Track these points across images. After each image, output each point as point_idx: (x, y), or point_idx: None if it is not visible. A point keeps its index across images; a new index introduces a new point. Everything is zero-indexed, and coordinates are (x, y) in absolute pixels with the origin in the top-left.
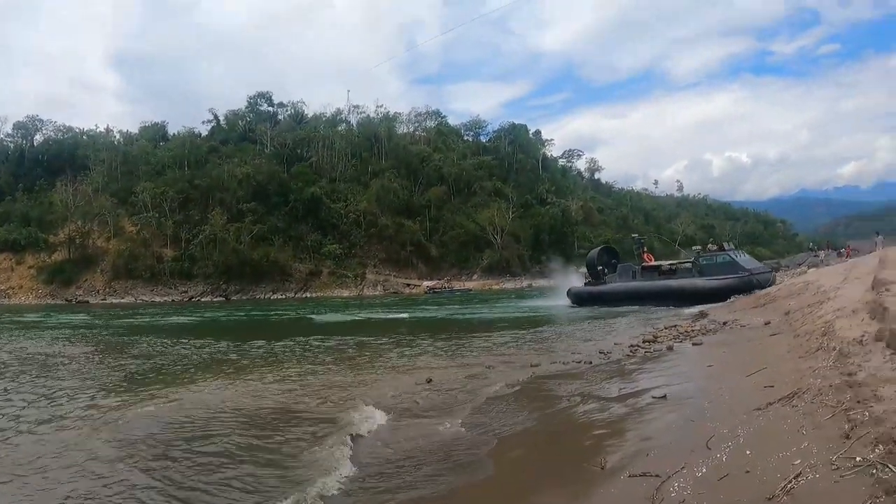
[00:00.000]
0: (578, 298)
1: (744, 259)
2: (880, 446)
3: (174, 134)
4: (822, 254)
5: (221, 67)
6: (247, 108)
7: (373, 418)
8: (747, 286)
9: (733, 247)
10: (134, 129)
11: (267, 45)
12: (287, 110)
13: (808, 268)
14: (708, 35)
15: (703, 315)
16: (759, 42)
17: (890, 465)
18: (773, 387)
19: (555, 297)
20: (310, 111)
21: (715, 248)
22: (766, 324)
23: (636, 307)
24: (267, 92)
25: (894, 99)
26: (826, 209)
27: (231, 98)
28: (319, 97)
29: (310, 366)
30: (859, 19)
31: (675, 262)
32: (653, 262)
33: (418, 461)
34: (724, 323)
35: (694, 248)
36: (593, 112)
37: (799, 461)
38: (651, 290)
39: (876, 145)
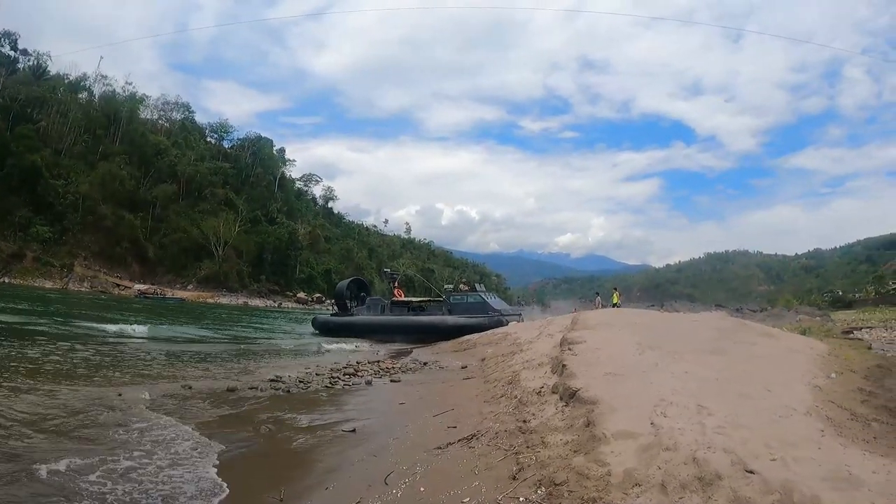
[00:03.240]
0: (324, 328)
1: (494, 301)
2: (542, 488)
3: None
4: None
5: None
6: None
7: None
8: (498, 325)
9: (483, 288)
10: None
11: None
12: (29, 60)
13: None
14: (468, 97)
15: (407, 353)
16: (510, 115)
17: None
18: (455, 427)
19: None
20: (54, 68)
21: (466, 288)
22: (462, 367)
23: (360, 340)
24: (14, 33)
25: (612, 188)
26: (539, 270)
27: None
28: (67, 55)
29: None
30: (600, 117)
31: (425, 299)
32: (403, 298)
33: None
34: (425, 363)
35: (446, 286)
36: (341, 141)
37: (468, 499)
38: (400, 325)
39: (591, 223)
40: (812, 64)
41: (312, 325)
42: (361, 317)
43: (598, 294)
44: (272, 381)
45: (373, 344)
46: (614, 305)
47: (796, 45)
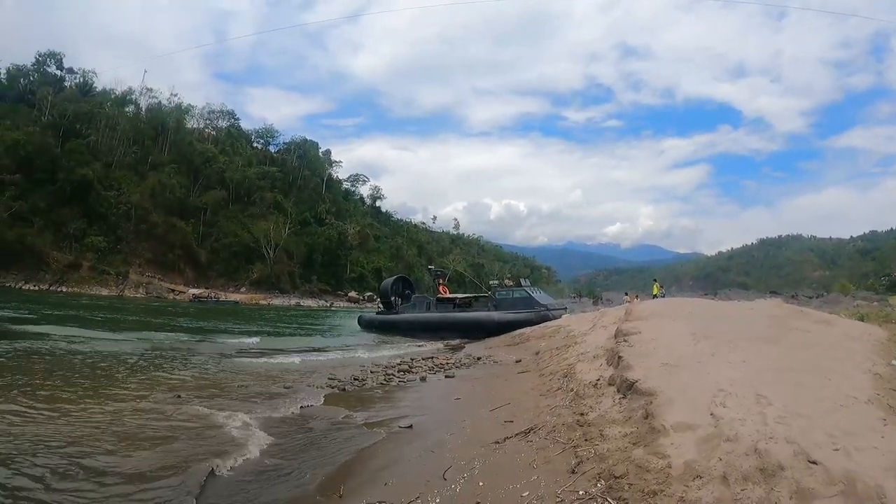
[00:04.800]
0: (369, 326)
1: (540, 295)
2: (602, 481)
3: None
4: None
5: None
6: (33, 65)
7: None
8: (543, 320)
9: (529, 283)
10: None
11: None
12: (76, 78)
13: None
14: (508, 91)
15: (460, 349)
16: (553, 107)
17: (609, 499)
18: (512, 422)
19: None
20: (100, 84)
21: (511, 283)
22: (517, 361)
23: (412, 337)
24: (59, 53)
25: (659, 176)
26: (588, 262)
27: (18, 51)
28: (112, 70)
29: None
30: (644, 104)
31: (470, 295)
32: (448, 295)
33: None
34: (479, 358)
35: (491, 282)
36: (384, 141)
37: (527, 493)
38: (445, 322)
39: (639, 212)
40: (857, 39)
41: (358, 323)
42: (407, 314)
43: (626, 293)
44: (329, 379)
45: (421, 341)
46: (654, 297)
47: (840, 20)
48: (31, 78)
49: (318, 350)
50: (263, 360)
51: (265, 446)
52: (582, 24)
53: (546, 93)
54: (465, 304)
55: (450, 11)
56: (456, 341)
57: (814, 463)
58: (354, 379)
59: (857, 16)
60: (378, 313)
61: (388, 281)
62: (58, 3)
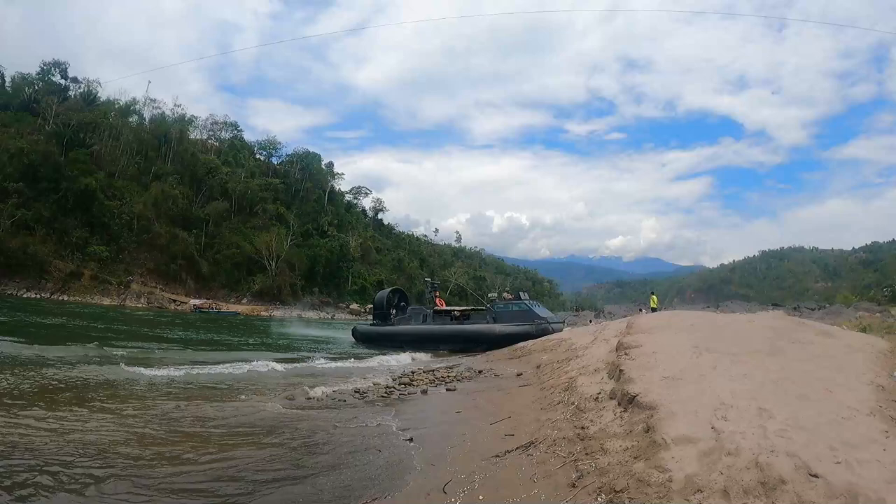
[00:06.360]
0: (365, 338)
1: (539, 309)
2: (603, 495)
3: None
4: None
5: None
6: (38, 74)
7: None
8: (543, 333)
9: (528, 296)
10: None
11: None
12: (80, 87)
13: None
14: (511, 104)
15: (460, 362)
16: (556, 119)
17: None
18: (513, 435)
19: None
20: (104, 94)
21: (510, 296)
22: (518, 375)
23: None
24: (64, 62)
25: (662, 188)
26: (590, 275)
27: (22, 60)
28: (115, 80)
29: None
30: (646, 116)
31: (468, 307)
32: (445, 307)
33: None
34: (480, 371)
35: (490, 294)
36: (387, 153)
37: None
38: (443, 334)
39: (642, 225)
40: (858, 49)
41: (353, 335)
42: (404, 326)
43: (640, 309)
44: (332, 391)
45: (420, 354)
46: (653, 310)
47: (840, 31)
48: (36, 87)
49: (316, 362)
50: (265, 370)
51: None
52: (584, 36)
53: (549, 105)
54: (463, 317)
55: (455, 24)
56: (452, 356)
57: (815, 476)
58: (356, 391)
59: (856, 27)
60: (372, 325)
61: (384, 292)
62: (64, 14)
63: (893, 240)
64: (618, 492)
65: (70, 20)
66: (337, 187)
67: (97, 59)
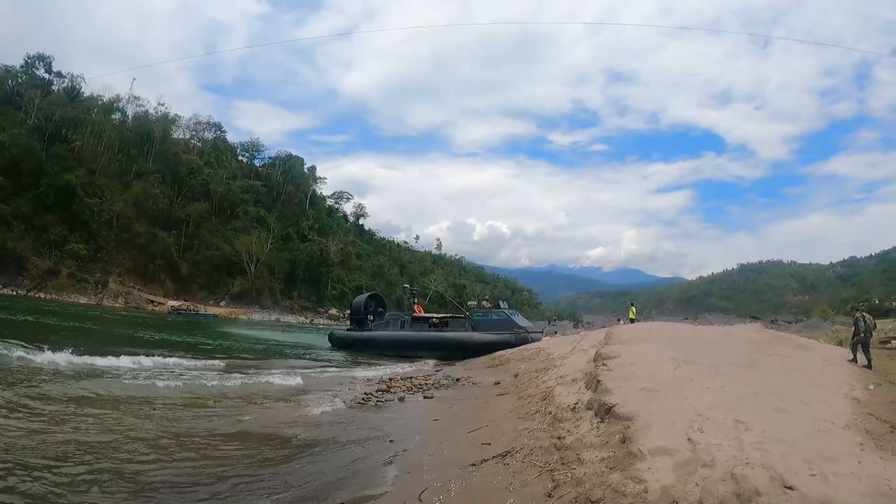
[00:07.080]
0: (341, 343)
1: (518, 318)
2: None
3: None
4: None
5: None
6: (22, 67)
7: None
8: (523, 342)
9: (507, 306)
10: None
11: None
12: (64, 82)
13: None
14: (496, 112)
15: (439, 370)
16: (540, 129)
17: None
18: (490, 444)
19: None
20: (88, 90)
21: (489, 305)
22: (496, 383)
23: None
24: (48, 56)
25: (644, 200)
26: (571, 284)
27: (7, 52)
28: (100, 76)
29: None
30: (630, 129)
31: (446, 315)
32: (423, 314)
33: None
34: (458, 379)
35: (469, 303)
36: (371, 159)
37: None
38: (422, 341)
39: (623, 236)
40: (841, 67)
41: (329, 339)
42: (381, 332)
43: (619, 320)
44: (308, 398)
45: (397, 360)
46: (632, 321)
47: (824, 50)
48: (20, 80)
49: (292, 369)
50: (231, 382)
51: None
52: (572, 46)
53: (533, 115)
54: (442, 324)
55: (445, 32)
56: (433, 361)
57: (790, 488)
58: (331, 395)
59: (838, 46)
60: (349, 330)
61: (361, 297)
62: (51, 8)
63: (871, 255)
64: (594, 502)
65: (58, 14)
66: (319, 191)
67: (86, 54)
